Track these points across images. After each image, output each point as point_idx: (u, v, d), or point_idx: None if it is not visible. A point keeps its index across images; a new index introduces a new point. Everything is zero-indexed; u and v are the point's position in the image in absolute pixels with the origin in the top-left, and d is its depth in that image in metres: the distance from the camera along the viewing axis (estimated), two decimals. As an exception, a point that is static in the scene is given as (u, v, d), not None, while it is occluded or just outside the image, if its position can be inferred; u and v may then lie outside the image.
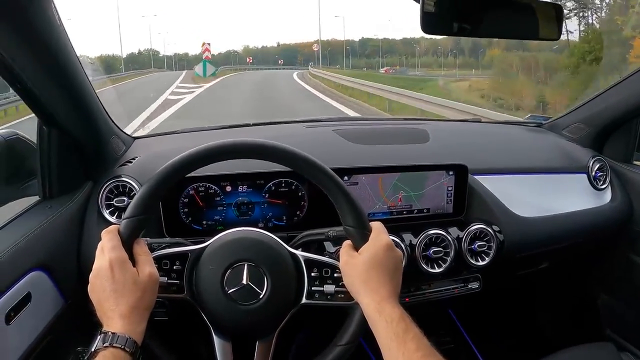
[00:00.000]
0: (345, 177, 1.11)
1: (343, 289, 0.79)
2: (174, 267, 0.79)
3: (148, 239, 0.82)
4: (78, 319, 0.92)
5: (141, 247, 0.75)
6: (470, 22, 0.94)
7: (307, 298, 0.81)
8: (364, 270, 0.74)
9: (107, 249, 0.71)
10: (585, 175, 1.39)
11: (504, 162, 1.34)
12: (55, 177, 1.00)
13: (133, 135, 1.32)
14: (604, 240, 1.44)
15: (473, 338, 1.59)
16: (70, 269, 0.97)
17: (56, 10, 0.76)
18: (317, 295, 0.80)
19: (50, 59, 0.81)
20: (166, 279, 0.78)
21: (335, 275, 0.81)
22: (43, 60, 0.80)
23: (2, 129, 0.98)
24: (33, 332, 0.84)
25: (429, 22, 0.91)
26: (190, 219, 1.06)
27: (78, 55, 0.89)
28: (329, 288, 0.80)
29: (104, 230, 0.74)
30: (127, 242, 0.73)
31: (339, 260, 0.80)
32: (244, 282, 0.77)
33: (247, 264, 0.79)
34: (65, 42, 0.83)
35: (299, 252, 0.83)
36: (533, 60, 18.04)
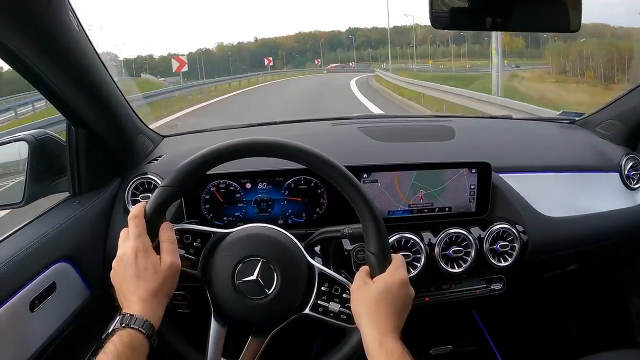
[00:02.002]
0: (365, 175, 1.10)
1: (347, 310, 0.79)
2: (194, 244, 0.82)
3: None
4: (103, 309, 0.96)
5: (167, 234, 0.76)
6: (502, 16, 0.92)
7: (310, 309, 0.81)
8: (374, 300, 0.74)
9: (132, 236, 0.73)
10: (617, 174, 1.34)
11: (532, 160, 1.30)
12: (84, 174, 1.04)
13: (162, 134, 1.36)
14: (637, 242, 1.38)
15: (496, 341, 1.55)
16: (96, 261, 1.01)
17: (74, 15, 0.79)
18: (320, 309, 0.81)
19: (71, 62, 0.84)
20: (184, 251, 0.80)
21: (344, 295, 0.81)
22: (64, 64, 0.83)
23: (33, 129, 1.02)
24: (57, 320, 0.88)
25: (458, 18, 0.89)
26: (211, 214, 1.09)
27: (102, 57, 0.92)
28: (334, 306, 0.81)
29: (130, 216, 0.75)
30: (157, 210, 0.76)
31: (352, 282, 0.80)
32: (255, 277, 0.79)
33: (262, 261, 0.80)
34: (86, 45, 0.86)
35: (316, 264, 0.84)
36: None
